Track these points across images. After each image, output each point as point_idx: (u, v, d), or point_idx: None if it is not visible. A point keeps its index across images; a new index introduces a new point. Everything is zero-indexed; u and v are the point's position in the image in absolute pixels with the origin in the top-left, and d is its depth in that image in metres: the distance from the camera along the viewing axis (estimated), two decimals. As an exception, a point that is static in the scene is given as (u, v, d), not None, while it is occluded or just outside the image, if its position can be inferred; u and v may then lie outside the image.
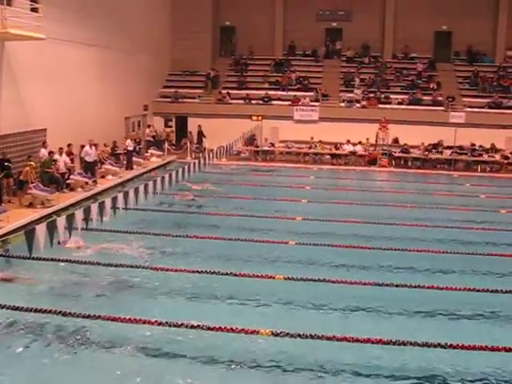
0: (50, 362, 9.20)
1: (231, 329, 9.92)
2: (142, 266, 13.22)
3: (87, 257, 13.88)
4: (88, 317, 10.34)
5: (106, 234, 15.68)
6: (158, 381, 8.74)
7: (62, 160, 21.33)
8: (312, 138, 31.47)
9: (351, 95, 34.94)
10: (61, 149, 21.47)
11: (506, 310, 11.58)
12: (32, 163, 19.52)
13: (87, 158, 23.05)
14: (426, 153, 30.57)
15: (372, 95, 34.86)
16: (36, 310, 10.56)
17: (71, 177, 21.83)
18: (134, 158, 27.30)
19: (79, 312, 10.47)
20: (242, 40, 39.51)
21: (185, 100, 35.73)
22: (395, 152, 30.89)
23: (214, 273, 12.75)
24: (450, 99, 33.93)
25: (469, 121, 31.77)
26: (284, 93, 35.74)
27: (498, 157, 30.36)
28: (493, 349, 9.38)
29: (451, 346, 9.41)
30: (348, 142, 31.19)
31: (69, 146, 22.43)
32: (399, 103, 34.23)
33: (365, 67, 37.95)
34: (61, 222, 11.55)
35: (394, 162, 30.64)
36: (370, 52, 38.98)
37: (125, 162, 26.67)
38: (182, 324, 10.05)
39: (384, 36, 38.92)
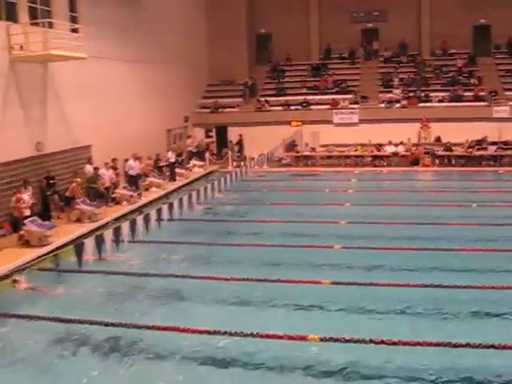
0: (103, 370, 9.41)
1: (279, 336, 9.95)
2: (189, 276, 13.36)
3: (135, 268, 14.15)
4: (138, 327, 10.55)
5: (152, 245, 15.97)
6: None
7: (108, 174, 21.74)
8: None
9: (390, 95, 34.63)
10: (106, 163, 21.90)
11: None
12: (78, 179, 20.00)
13: (131, 172, 23.46)
14: (470, 150, 29.99)
15: (412, 94, 34.47)
16: (88, 322, 10.82)
17: (116, 191, 22.24)
18: (177, 170, 27.64)
19: (130, 322, 10.69)
20: (278, 46, 39.61)
21: (224, 110, 36.01)
22: (438, 151, 30.40)
23: (259, 280, 12.83)
24: (493, 94, 33.26)
25: (514, 115, 31.10)
26: (322, 97, 35.66)
27: (545, 151, 29.61)
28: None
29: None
30: (389, 142, 30.87)
31: (113, 160, 22.86)
32: (440, 101, 33.72)
33: (403, 66, 37.58)
34: (108, 234, 11.80)
35: (437, 161, 30.16)
36: (408, 51, 38.58)
37: (168, 174, 27.01)
38: (229, 332, 10.13)
39: (421, 34, 38.48)
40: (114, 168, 22.84)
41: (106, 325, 10.67)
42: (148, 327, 10.54)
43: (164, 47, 29.98)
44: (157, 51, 29.01)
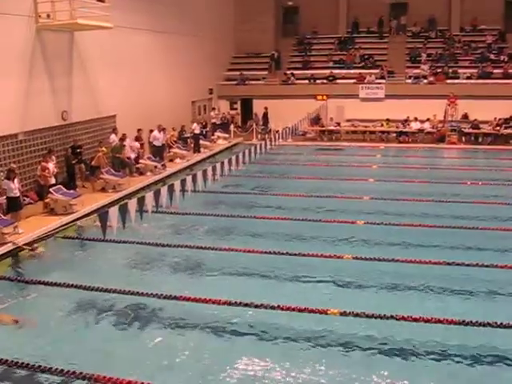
0: (120, 337, 9.61)
1: (300, 308, 10.02)
2: (211, 247, 13.47)
3: (157, 238, 14.29)
4: (160, 296, 10.72)
5: (175, 216, 16.09)
6: (225, 357, 8.91)
7: (128, 145, 21.79)
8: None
9: (418, 71, 34.08)
10: (124, 135, 21.81)
11: None
12: (104, 149, 20.14)
13: (156, 143, 23.55)
14: (498, 128, 29.53)
15: (439, 70, 33.87)
16: (110, 291, 11.01)
17: (141, 161, 22.37)
18: (201, 141, 27.68)
19: (152, 291, 10.84)
20: (305, 19, 39.13)
21: (249, 82, 35.82)
22: (465, 128, 30.00)
23: (281, 253, 12.93)
24: (523, 70, 32.60)
25: (543, 93, 30.46)
26: (349, 71, 35.26)
27: None
28: None
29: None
30: (415, 119, 30.50)
31: (138, 131, 22.94)
32: (468, 78, 33.10)
33: (431, 42, 36.88)
34: (132, 204, 11.88)
35: (463, 139, 29.79)
36: (437, 26, 37.86)
37: (192, 146, 27.07)
38: (250, 303, 10.24)
39: (451, 9, 37.67)
40: (139, 138, 22.93)
41: (129, 293, 10.85)
42: (169, 297, 10.69)
43: (190, 18, 29.81)
44: (183, 22, 28.86)
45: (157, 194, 12.93)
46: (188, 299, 10.61)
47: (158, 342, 9.43)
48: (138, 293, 10.87)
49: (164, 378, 8.38)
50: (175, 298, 10.68)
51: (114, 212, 11.36)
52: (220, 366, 8.63)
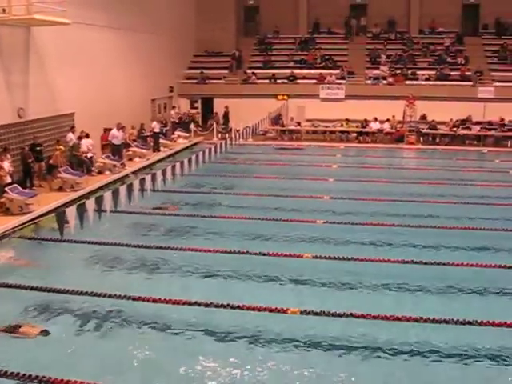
0: (84, 340, 9.41)
1: (261, 308, 10.00)
2: (170, 247, 13.34)
3: (116, 238, 14.09)
4: (118, 297, 10.58)
5: (134, 215, 15.91)
6: (191, 357, 8.85)
7: (85, 144, 21.45)
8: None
9: (377, 72, 34.49)
10: (82, 132, 21.44)
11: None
12: (61, 147, 19.80)
13: (114, 141, 23.24)
14: (455, 129, 30.12)
15: (399, 71, 34.34)
16: (67, 292, 10.80)
17: (99, 160, 22.06)
18: (161, 140, 27.46)
19: (109, 292, 10.69)
20: (266, 19, 39.19)
21: (210, 81, 35.69)
22: (423, 129, 30.53)
23: (241, 252, 12.89)
24: (479, 74, 33.27)
25: (498, 95, 31.14)
26: (309, 71, 35.45)
27: (528, 132, 29.78)
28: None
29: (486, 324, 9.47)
30: (375, 119, 30.87)
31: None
32: (426, 79, 33.67)
33: (391, 43, 37.36)
34: (90, 204, 11.71)
35: (421, 139, 30.28)
36: (396, 28, 38.40)
37: (152, 144, 26.83)
38: (210, 303, 10.17)
39: (410, 11, 38.23)
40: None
41: (85, 294, 10.65)
42: (128, 298, 10.54)
43: (150, 16, 29.55)
44: (142, 19, 28.57)
45: (115, 194, 12.78)
46: (147, 300, 10.45)
47: (116, 342, 9.30)
48: (94, 293, 10.66)
49: (116, 379, 8.24)
50: (133, 298, 10.52)
51: (71, 212, 11.18)
52: (179, 366, 8.55)
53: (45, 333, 9.50)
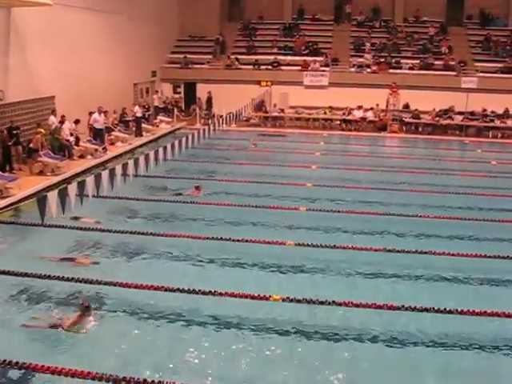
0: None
1: (243, 295, 9.98)
2: (152, 233, 13.24)
3: (97, 224, 13.96)
4: (96, 282, 10.49)
5: (116, 201, 15.74)
6: (173, 344, 8.82)
7: (67, 127, 21.19)
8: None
9: (361, 60, 34.47)
10: (62, 116, 21.18)
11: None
12: (42, 130, 19.51)
13: (96, 125, 23.01)
14: (437, 118, 30.25)
15: (382, 60, 34.33)
16: (46, 277, 10.66)
17: (81, 144, 21.81)
18: (143, 125, 27.24)
19: (89, 277, 10.59)
20: (251, 4, 38.93)
21: (193, 66, 35.40)
22: (406, 118, 30.62)
23: (224, 239, 12.83)
24: (462, 64, 33.39)
25: (481, 86, 31.20)
26: (293, 58, 35.31)
27: (510, 122, 29.97)
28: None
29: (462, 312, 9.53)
30: (359, 107, 30.87)
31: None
32: (410, 68, 33.70)
33: (375, 31, 37.30)
34: (72, 189, 11.55)
35: (404, 128, 30.38)
36: (381, 16, 38.36)
37: (134, 129, 26.60)
38: (194, 290, 10.12)
39: (395, -1, 38.27)
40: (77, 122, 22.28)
41: (67, 280, 10.55)
42: (107, 283, 10.45)
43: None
44: (126, 3, 28.18)
45: (98, 178, 12.63)
46: (126, 285, 10.38)
47: (91, 327, 9.24)
48: (74, 279, 10.55)
49: (88, 362, 8.16)
50: (113, 284, 10.43)
51: (53, 196, 11.02)
52: (160, 354, 8.52)
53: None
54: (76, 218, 13.71)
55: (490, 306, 9.68)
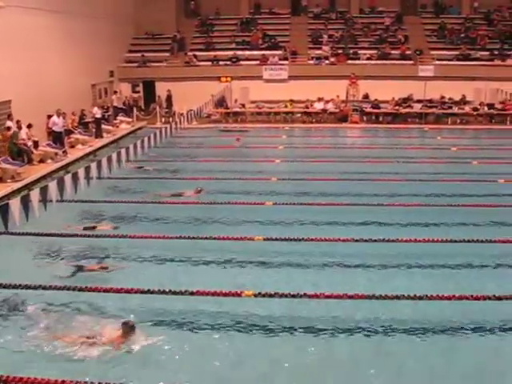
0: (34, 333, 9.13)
1: (214, 292, 9.94)
2: (118, 235, 13.05)
3: (63, 229, 13.70)
4: (64, 288, 10.29)
5: (80, 204, 15.50)
6: (143, 345, 8.73)
7: (24, 132, 20.77)
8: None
9: (319, 52, 34.68)
10: (18, 121, 20.64)
11: (481, 259, 11.76)
12: (-1, 136, 19.12)
13: (55, 128, 22.61)
14: (397, 107, 30.62)
15: (340, 51, 34.64)
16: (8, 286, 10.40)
17: (40, 148, 21.43)
18: (103, 126, 26.90)
19: (56, 284, 10.40)
20: (207, 0, 38.72)
21: (151, 64, 35.09)
22: (366, 108, 30.90)
23: (191, 237, 12.74)
24: (418, 52, 33.88)
25: (438, 74, 31.81)
26: (252, 52, 35.30)
27: (467, 108, 30.54)
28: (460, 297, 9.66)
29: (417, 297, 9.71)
30: (319, 99, 31.03)
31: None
32: (368, 58, 34.07)
33: (332, 23, 37.58)
34: (35, 195, 11.35)
35: (365, 118, 30.66)
36: (337, 7, 38.61)
37: (94, 131, 26.25)
38: (163, 291, 10.03)
39: (350, -10, 38.53)
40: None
41: (32, 288, 10.32)
42: (74, 288, 10.25)
43: (88, -1, 28.76)
44: (79, 2, 27.72)
45: (60, 183, 12.44)
46: (90, 289, 10.21)
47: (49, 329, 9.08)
48: (40, 286, 10.27)
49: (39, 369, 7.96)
50: (80, 289, 10.24)
51: (15, 204, 10.82)
52: (131, 355, 8.44)
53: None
54: (91, 228, 13.18)
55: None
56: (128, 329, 8.79)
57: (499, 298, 9.61)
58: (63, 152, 22.03)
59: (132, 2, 36.51)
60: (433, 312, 9.55)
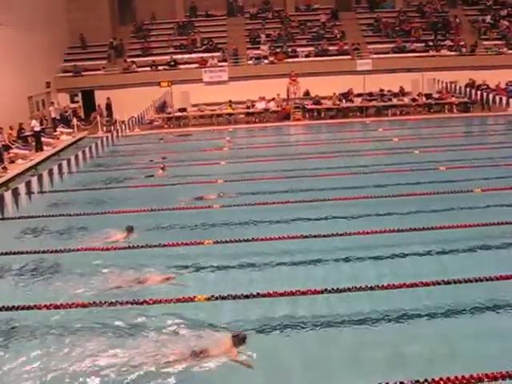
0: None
1: (167, 299, 9.81)
2: (65, 250, 12.72)
3: (5, 247, 13.26)
4: (13, 308, 9.97)
5: (23, 221, 15.00)
6: (96, 356, 8.52)
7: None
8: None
9: (258, 52, 34.78)
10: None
11: (430, 246, 11.98)
12: None
13: (-8, 144, 21.97)
14: (338, 102, 30.96)
15: (279, 50, 34.82)
16: None
17: (-22, 165, 20.78)
18: (43, 139, 26.24)
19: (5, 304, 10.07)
20: (142, 5, 38.29)
21: (88, 73, 34.46)
22: (307, 104, 31.13)
23: (141, 246, 12.54)
24: (356, 47, 34.37)
25: (375, 67, 32.37)
26: (191, 56, 35.12)
27: (406, 100, 31.15)
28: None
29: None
30: (260, 99, 31.08)
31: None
32: (306, 56, 34.37)
33: (269, 22, 37.74)
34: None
35: (307, 115, 30.88)
36: (273, 7, 38.81)
37: (34, 144, 25.58)
38: (115, 302, 9.83)
39: (284, -11, 38.78)
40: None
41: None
42: (23, 307, 9.94)
43: (18, 10, 27.96)
44: (10, 14, 26.98)
45: (1, 200, 12.05)
46: (44, 307, 9.90)
47: (12, 354, 8.78)
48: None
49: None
50: (29, 307, 9.92)
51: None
52: (83, 368, 8.21)
53: None
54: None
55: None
56: (239, 341, 8.57)
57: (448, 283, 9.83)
58: (2, 168, 21.39)
59: (65, 11, 35.71)
60: (383, 301, 9.65)
